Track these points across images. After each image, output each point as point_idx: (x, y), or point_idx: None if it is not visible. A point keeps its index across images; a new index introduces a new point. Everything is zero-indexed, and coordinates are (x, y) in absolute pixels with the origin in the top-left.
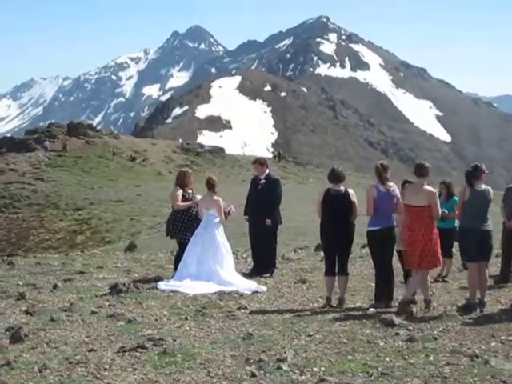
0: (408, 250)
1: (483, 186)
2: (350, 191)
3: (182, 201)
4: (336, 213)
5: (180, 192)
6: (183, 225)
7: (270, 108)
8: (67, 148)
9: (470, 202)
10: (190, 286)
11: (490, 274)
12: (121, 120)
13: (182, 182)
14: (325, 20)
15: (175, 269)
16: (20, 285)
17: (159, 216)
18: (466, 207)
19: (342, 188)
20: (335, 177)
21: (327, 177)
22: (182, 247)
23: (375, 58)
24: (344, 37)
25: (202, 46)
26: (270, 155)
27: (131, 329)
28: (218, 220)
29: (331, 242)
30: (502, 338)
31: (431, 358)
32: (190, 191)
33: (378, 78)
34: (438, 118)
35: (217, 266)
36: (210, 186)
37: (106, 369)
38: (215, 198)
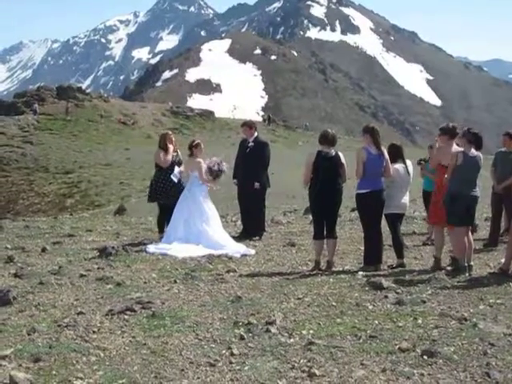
0: None
1: (475, 152)
2: (340, 154)
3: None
4: (327, 175)
5: (163, 152)
6: (164, 187)
7: (260, 71)
8: (69, 111)
9: (461, 168)
10: (179, 249)
11: (479, 238)
12: (110, 83)
13: (163, 143)
14: None
15: (159, 232)
16: (9, 248)
17: (148, 179)
18: (456, 172)
19: (333, 151)
20: (328, 140)
21: (318, 139)
22: (163, 209)
23: (366, 21)
24: (334, 0)
25: (192, 8)
26: (260, 119)
27: (120, 292)
28: (201, 181)
29: (321, 204)
30: (491, 301)
31: (420, 321)
32: (174, 153)
33: (368, 42)
34: (428, 82)
35: (204, 226)
36: (190, 148)
37: (94, 332)
38: (197, 160)
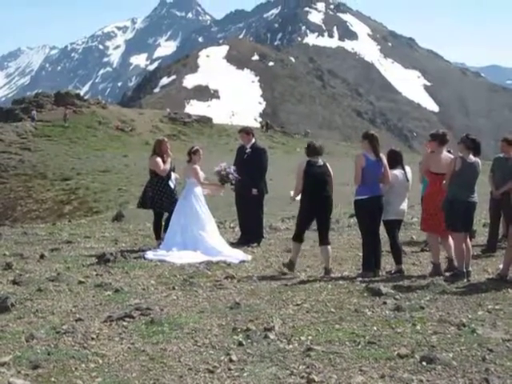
0: None
1: (473, 158)
2: (327, 163)
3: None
4: (317, 183)
5: (159, 159)
6: (161, 194)
7: (257, 77)
8: (67, 118)
9: (459, 173)
10: (177, 256)
11: (477, 244)
12: (108, 89)
13: (158, 150)
14: None
15: (156, 238)
16: (7, 255)
17: None
18: (454, 178)
19: (321, 160)
20: (316, 150)
21: (306, 151)
22: (159, 216)
23: (363, 27)
24: (332, 6)
25: (190, 15)
26: (258, 125)
27: (118, 298)
28: (197, 188)
29: (313, 212)
30: (489, 306)
31: (418, 327)
32: (169, 160)
33: (366, 48)
34: (426, 88)
35: (201, 232)
36: (189, 154)
37: (93, 338)
38: (193, 166)
